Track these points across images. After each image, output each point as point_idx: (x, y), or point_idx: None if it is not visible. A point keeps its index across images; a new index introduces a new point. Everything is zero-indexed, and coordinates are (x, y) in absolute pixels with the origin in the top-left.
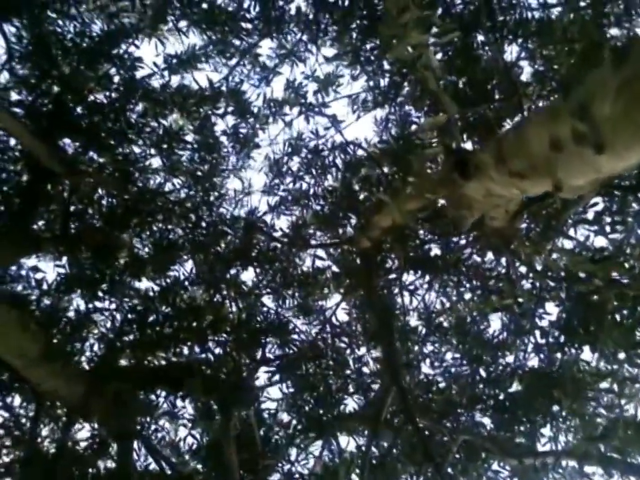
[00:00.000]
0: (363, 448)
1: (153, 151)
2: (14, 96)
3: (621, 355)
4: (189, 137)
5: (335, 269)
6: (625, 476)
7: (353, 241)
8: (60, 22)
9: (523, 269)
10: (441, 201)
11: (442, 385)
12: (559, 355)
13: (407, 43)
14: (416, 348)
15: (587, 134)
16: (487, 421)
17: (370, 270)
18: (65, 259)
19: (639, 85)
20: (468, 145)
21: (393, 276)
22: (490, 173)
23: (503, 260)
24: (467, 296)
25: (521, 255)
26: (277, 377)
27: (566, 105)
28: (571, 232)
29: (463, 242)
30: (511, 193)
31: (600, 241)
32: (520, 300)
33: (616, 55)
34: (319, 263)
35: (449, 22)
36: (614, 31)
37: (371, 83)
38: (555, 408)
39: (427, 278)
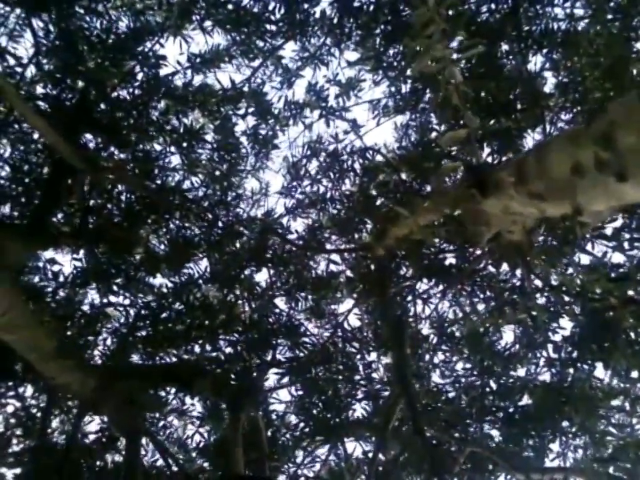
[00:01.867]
0: (370, 454)
1: (172, 149)
2: (39, 90)
3: (634, 374)
4: (209, 136)
5: (348, 273)
6: None
7: (367, 247)
8: (87, 18)
9: (538, 283)
10: (458, 216)
11: (451, 394)
12: (571, 371)
13: (431, 57)
14: (427, 357)
15: (610, 162)
16: (495, 433)
17: (383, 277)
18: (82, 252)
19: None
20: (487, 154)
21: (407, 283)
22: (509, 191)
23: (518, 272)
24: (481, 307)
25: (537, 268)
26: (286, 379)
27: (590, 131)
28: (589, 247)
29: (478, 252)
30: (530, 212)
31: (617, 257)
32: (534, 313)
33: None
34: (333, 267)
35: (473, 32)
36: None
37: (393, 89)
38: (565, 424)
39: (441, 287)
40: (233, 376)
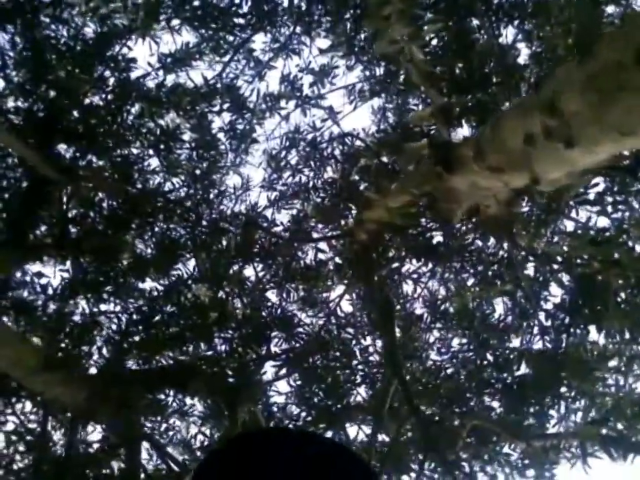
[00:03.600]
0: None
1: (151, 152)
2: (10, 103)
3: (627, 334)
4: (187, 136)
5: (337, 260)
6: (627, 455)
7: (349, 233)
8: (53, 26)
9: (525, 253)
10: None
11: (450, 370)
12: (564, 337)
13: (390, 37)
14: (422, 336)
15: (557, 129)
16: (495, 404)
17: (369, 261)
18: (68, 263)
19: (604, 80)
20: (465, 130)
21: (394, 265)
22: (472, 167)
23: (505, 245)
24: (471, 282)
25: (522, 239)
26: (284, 371)
27: (536, 100)
28: (573, 214)
29: (464, 228)
30: (495, 185)
31: (602, 222)
32: (522, 284)
33: (581, 49)
34: (321, 256)
35: (441, 10)
36: (611, 9)
37: (367, 73)
38: (563, 389)
39: (430, 265)
40: (228, 372)
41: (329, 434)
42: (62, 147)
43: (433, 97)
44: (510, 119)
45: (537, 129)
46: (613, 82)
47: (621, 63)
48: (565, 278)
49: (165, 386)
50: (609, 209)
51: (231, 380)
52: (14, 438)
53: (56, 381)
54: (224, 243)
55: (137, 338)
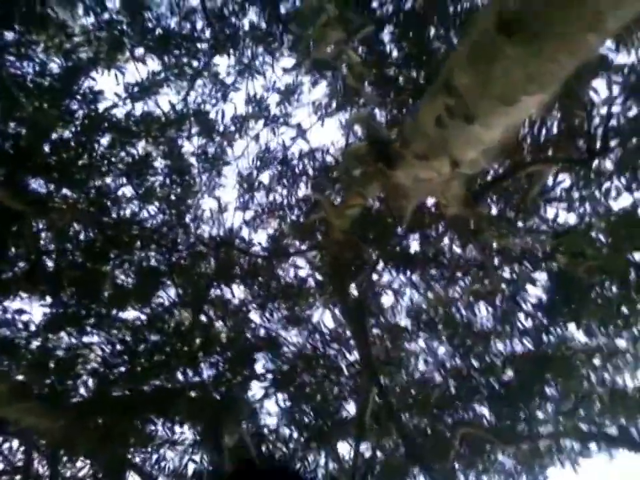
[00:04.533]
0: (367, 454)
1: (124, 181)
2: None
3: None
4: (159, 163)
5: (317, 276)
6: (601, 447)
7: (322, 245)
8: (18, 64)
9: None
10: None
11: (437, 379)
12: (546, 337)
13: (326, 43)
14: (405, 345)
15: (455, 107)
16: (484, 411)
17: (341, 271)
18: (48, 298)
19: (479, 52)
20: None
21: (371, 274)
22: (407, 158)
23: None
24: (448, 288)
25: (491, 240)
26: (272, 391)
27: (438, 80)
28: (542, 212)
29: (440, 235)
30: (432, 176)
31: (570, 218)
32: (500, 287)
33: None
34: (300, 273)
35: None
36: None
37: (331, 88)
38: (548, 390)
39: (409, 274)
40: (211, 396)
41: (321, 453)
42: (35, 182)
43: (368, 97)
44: (423, 104)
45: (443, 110)
46: (486, 53)
47: (489, 32)
48: (540, 276)
49: (145, 413)
50: (576, 204)
51: (213, 403)
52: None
53: (30, 410)
54: (203, 266)
55: (122, 369)
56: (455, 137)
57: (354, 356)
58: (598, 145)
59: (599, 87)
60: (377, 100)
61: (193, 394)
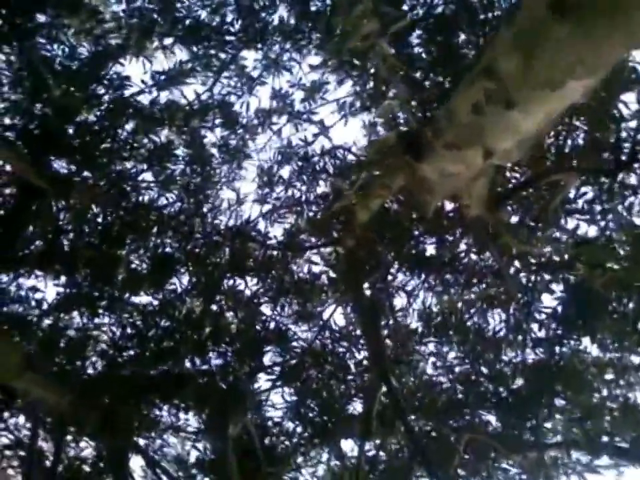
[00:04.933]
0: (372, 452)
1: (145, 167)
2: (6, 120)
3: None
4: (180, 151)
5: (331, 273)
6: (612, 458)
7: (339, 240)
8: (48, 47)
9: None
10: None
11: (445, 384)
12: (558, 348)
13: (360, 34)
14: (416, 347)
15: (495, 92)
16: (491, 418)
17: (357, 267)
18: (63, 278)
19: (525, 36)
20: None
21: (386, 274)
22: (437, 150)
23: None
24: (463, 293)
25: (511, 247)
26: (279, 385)
27: (478, 66)
28: (562, 223)
29: (457, 239)
30: (460, 170)
31: (592, 231)
32: (516, 295)
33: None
34: (315, 269)
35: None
36: None
37: (357, 88)
38: (558, 401)
39: (423, 277)
40: (218, 383)
41: (324, 449)
42: (58, 163)
43: (399, 89)
44: (460, 91)
45: (480, 95)
46: (534, 34)
47: (538, 14)
48: (557, 287)
49: (151, 396)
50: (598, 217)
51: (220, 392)
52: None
53: (39, 382)
54: (217, 256)
55: (131, 352)
56: (491, 125)
57: (363, 355)
58: (624, 157)
59: (630, 100)
60: (407, 92)
61: (200, 381)
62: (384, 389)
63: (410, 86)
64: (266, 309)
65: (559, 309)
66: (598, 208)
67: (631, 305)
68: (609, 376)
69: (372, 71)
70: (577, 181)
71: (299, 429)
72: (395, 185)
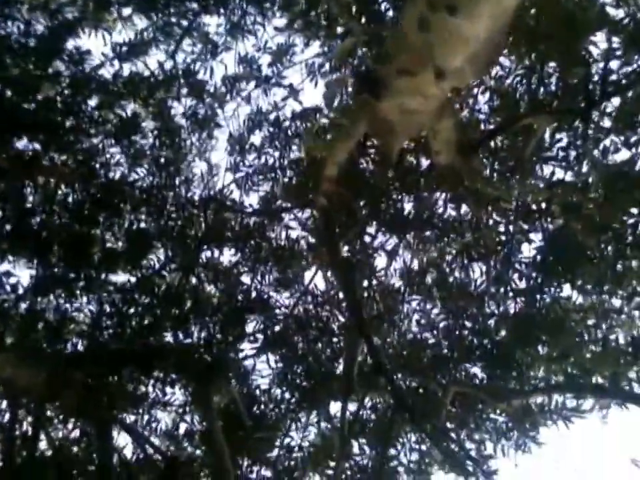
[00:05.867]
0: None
1: (113, 142)
2: None
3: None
4: (148, 124)
5: (310, 238)
6: (594, 398)
7: (312, 201)
8: (3, 24)
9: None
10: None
11: (430, 340)
12: (540, 297)
13: None
14: (400, 306)
15: None
16: (477, 370)
17: (331, 229)
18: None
19: None
20: None
21: (362, 232)
22: (392, 82)
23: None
24: (444, 249)
25: (488, 199)
26: (263, 352)
27: None
28: (538, 170)
29: (434, 195)
30: (417, 104)
31: (569, 177)
32: (495, 246)
33: None
34: (292, 234)
35: None
36: None
37: (325, 48)
38: (542, 349)
39: (403, 236)
40: (198, 351)
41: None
42: (20, 143)
43: (352, 28)
44: (405, 10)
45: (424, 7)
46: None
47: None
48: (536, 237)
49: (130, 366)
50: (573, 162)
51: (202, 362)
52: None
53: (9, 362)
54: (193, 229)
55: (111, 331)
56: (439, 40)
57: (346, 317)
58: (595, 97)
59: (599, 40)
60: (360, 29)
61: (180, 351)
62: (363, 344)
63: (364, 24)
64: (246, 279)
65: (539, 258)
66: (573, 153)
67: (609, 248)
68: (591, 321)
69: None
70: (549, 124)
71: (287, 395)
72: (358, 132)
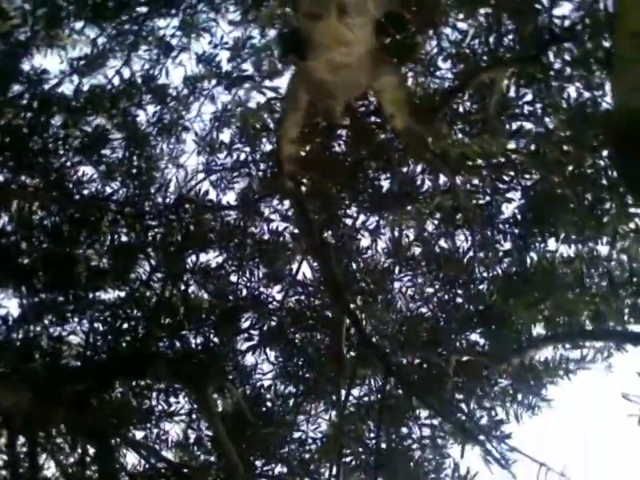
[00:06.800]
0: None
1: (82, 159)
2: None
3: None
4: (115, 136)
5: (292, 228)
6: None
7: (276, 184)
8: None
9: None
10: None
11: (427, 314)
12: (527, 254)
13: None
14: (390, 284)
15: None
16: (476, 337)
17: (303, 212)
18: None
19: None
20: None
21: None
22: (311, 36)
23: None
24: (426, 220)
25: (457, 161)
26: (262, 349)
27: None
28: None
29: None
30: (343, 55)
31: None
32: (474, 210)
33: None
34: (274, 226)
35: None
36: None
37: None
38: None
39: (382, 213)
40: (192, 353)
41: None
42: None
43: None
44: None
45: None
46: None
47: None
48: (515, 195)
49: (123, 376)
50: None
51: (193, 360)
52: None
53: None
54: (175, 235)
55: (105, 348)
56: None
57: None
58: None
59: None
60: None
61: (172, 355)
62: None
63: None
64: (235, 278)
65: (519, 216)
66: (539, 106)
67: (587, 196)
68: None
69: None
70: (508, 77)
71: (291, 388)
72: (300, 100)
